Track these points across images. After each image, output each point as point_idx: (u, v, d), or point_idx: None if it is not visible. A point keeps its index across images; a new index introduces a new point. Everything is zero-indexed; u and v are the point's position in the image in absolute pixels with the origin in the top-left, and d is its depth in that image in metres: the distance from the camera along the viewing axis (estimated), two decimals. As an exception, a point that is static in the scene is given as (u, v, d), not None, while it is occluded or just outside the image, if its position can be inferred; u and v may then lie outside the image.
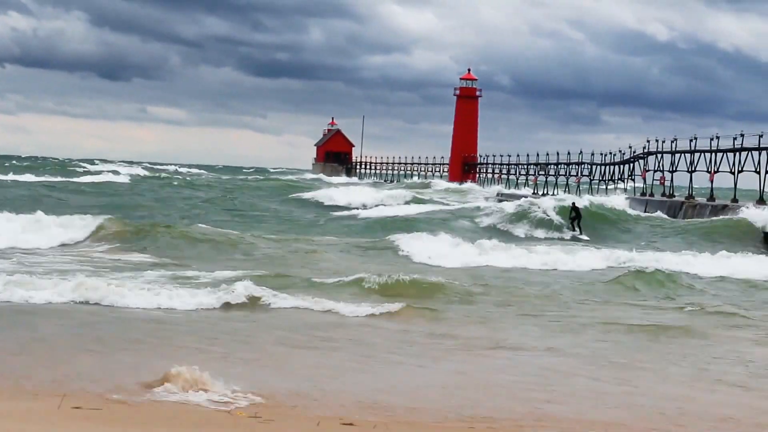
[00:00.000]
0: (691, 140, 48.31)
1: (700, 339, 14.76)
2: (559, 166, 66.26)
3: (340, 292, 17.97)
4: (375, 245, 28.96)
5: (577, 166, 64.08)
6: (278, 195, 60.61)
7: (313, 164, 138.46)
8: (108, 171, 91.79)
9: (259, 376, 10.74)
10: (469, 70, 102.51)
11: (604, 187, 60.26)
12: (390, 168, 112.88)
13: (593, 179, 62.13)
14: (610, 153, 60.03)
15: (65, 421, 8.19)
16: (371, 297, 17.61)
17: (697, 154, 47.71)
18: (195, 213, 43.40)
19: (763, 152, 41.80)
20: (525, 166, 74.63)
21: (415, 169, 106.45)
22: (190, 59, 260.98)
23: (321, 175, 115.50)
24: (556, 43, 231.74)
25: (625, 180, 58.51)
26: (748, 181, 44.51)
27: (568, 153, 65.02)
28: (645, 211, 45.52)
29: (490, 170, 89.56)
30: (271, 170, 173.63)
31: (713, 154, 45.94)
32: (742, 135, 43.26)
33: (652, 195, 51.43)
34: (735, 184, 43.94)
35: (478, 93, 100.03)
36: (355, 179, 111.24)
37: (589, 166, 62.58)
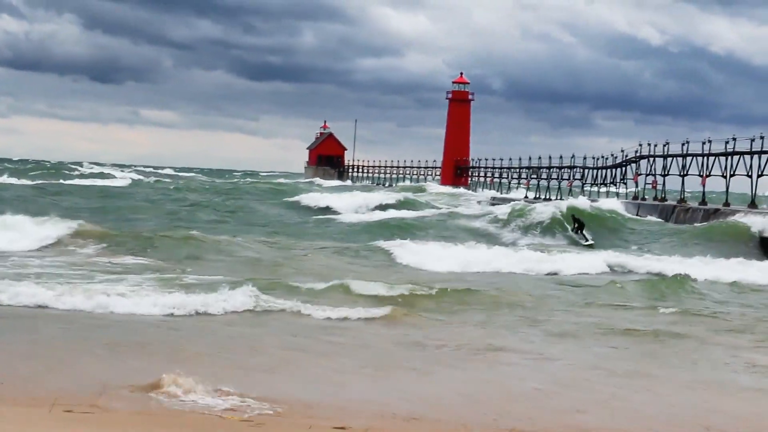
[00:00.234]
0: (683, 144, 48.42)
1: (706, 344, 14.70)
2: (552, 170, 66.31)
3: (326, 296, 17.81)
4: (360, 250, 28.48)
5: (569, 170, 64.14)
6: (269, 198, 60.48)
7: (305, 168, 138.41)
8: (106, 174, 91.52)
9: (256, 381, 10.67)
10: (461, 73, 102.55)
11: (596, 190, 60.31)
12: (383, 171, 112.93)
13: (585, 183, 62.20)
14: (602, 157, 60.18)
15: (56, 425, 8.13)
16: (359, 301, 17.32)
17: (689, 158, 47.80)
18: (182, 216, 43.27)
19: (755, 156, 41.89)
20: (517, 170, 74.68)
21: (408, 172, 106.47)
22: (182, 62, 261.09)
23: (316, 179, 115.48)
24: (548, 46, 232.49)
25: (617, 184, 58.60)
26: (740, 184, 44.68)
27: (561, 157, 65.15)
28: (637, 215, 45.57)
29: (482, 174, 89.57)
30: (262, 174, 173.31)
31: (705, 157, 46.02)
32: (734, 139, 43.38)
33: (644, 199, 51.49)
34: (727, 188, 44.00)
35: (470, 97, 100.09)
36: (347, 183, 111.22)
37: (582, 170, 62.66)
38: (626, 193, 56.77)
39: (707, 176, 45.65)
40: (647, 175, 52.30)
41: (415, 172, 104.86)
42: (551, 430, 9.09)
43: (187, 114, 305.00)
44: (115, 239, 26.83)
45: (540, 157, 68.61)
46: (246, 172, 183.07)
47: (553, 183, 65.48)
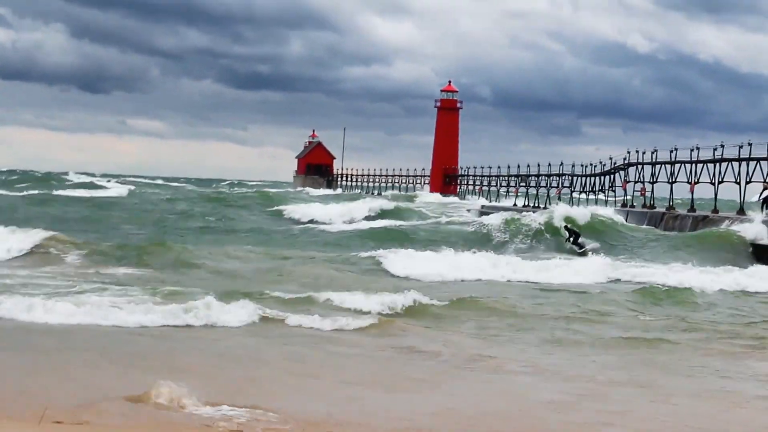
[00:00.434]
0: (671, 151, 48.51)
1: (703, 352, 14.64)
2: (540, 178, 66.40)
3: (315, 305, 17.71)
4: (350, 259, 28.30)
5: (558, 178, 64.22)
6: (258, 208, 60.42)
7: (294, 177, 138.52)
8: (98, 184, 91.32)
9: (248, 392, 10.61)
10: (449, 81, 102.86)
11: (585, 198, 60.39)
12: (372, 180, 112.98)
13: (574, 190, 62.26)
14: (591, 164, 60.29)
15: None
16: (349, 312, 17.08)
17: (677, 165, 47.91)
18: (167, 226, 43.16)
19: (743, 163, 42.00)
20: (506, 178, 74.78)
21: (397, 180, 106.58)
22: (170, 71, 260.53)
23: (305, 188, 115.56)
24: (536, 54, 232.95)
25: (606, 191, 58.70)
26: (729, 191, 44.77)
27: (549, 164, 65.23)
28: (626, 222, 45.59)
29: (471, 182, 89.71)
30: (251, 183, 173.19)
31: (693, 165, 46.14)
32: (723, 146, 43.46)
33: (633, 206, 51.59)
34: (715, 195, 44.11)
35: (458, 105, 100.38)
36: (337, 191, 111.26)
37: (570, 178, 62.76)
38: (615, 201, 56.81)
39: (696, 183, 45.76)
40: (636, 182, 52.45)
41: (404, 181, 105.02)
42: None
43: (176, 123, 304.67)
44: (95, 249, 26.53)
45: (528, 165, 68.77)
46: (234, 181, 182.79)
47: (542, 191, 65.59)
